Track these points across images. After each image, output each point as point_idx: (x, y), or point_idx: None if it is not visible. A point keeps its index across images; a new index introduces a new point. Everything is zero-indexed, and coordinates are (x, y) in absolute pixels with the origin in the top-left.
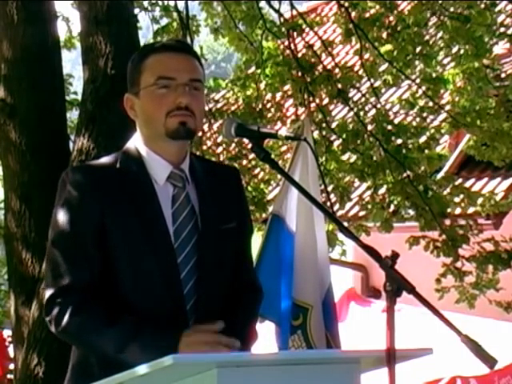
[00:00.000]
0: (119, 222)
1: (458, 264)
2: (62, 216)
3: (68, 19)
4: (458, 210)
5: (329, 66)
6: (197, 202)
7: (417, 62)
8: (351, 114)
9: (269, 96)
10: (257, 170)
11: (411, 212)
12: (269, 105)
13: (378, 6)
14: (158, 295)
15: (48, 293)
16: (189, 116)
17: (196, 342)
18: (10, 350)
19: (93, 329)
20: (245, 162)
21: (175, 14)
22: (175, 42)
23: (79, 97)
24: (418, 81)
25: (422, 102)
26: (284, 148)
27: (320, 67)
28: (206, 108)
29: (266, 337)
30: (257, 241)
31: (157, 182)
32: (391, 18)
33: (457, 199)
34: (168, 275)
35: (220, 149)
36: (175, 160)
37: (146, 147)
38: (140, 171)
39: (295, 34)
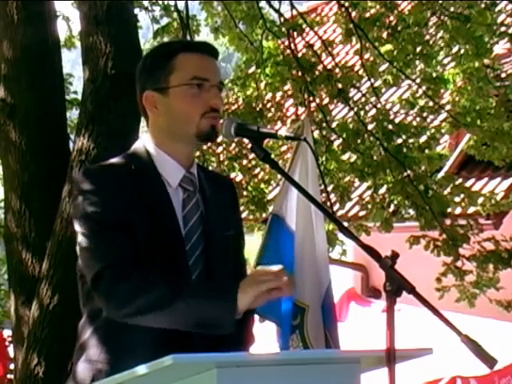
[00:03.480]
0: (138, 224)
1: (459, 263)
2: (92, 206)
3: (68, 18)
4: (458, 210)
5: (329, 66)
6: (203, 207)
7: (417, 62)
8: (351, 113)
9: (269, 96)
10: (257, 170)
11: (411, 212)
12: (269, 104)
13: (378, 6)
14: None
15: (93, 270)
16: (217, 119)
17: (257, 282)
18: (10, 350)
19: (147, 284)
20: (245, 161)
21: (175, 14)
22: (203, 43)
23: (79, 96)
24: (418, 81)
25: (422, 102)
26: (284, 148)
27: (320, 67)
28: None
29: (266, 337)
30: (257, 241)
31: (169, 185)
32: (391, 18)
33: (457, 199)
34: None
35: (220, 149)
36: (187, 163)
37: (158, 149)
38: (153, 174)
39: (295, 33)
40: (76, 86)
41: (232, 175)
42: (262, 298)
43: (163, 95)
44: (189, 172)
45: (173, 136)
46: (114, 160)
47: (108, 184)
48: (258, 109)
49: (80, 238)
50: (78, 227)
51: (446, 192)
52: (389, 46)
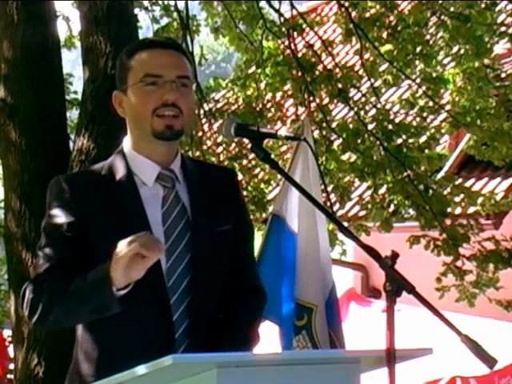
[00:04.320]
0: (102, 230)
1: (459, 263)
2: (46, 220)
3: (68, 18)
4: (458, 210)
5: (329, 66)
6: (188, 203)
7: (417, 62)
8: (351, 113)
9: (269, 96)
10: (257, 170)
11: (411, 212)
12: (269, 104)
13: (378, 6)
14: (143, 304)
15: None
16: (175, 116)
17: (119, 254)
18: (10, 350)
19: (45, 290)
20: (245, 161)
21: (175, 14)
22: (163, 38)
23: (79, 96)
24: (418, 80)
25: (422, 102)
26: (284, 148)
27: (320, 67)
28: (206, 108)
29: (266, 337)
30: (257, 241)
31: (146, 184)
32: (391, 18)
33: (457, 199)
34: (154, 285)
35: (220, 149)
36: (164, 160)
37: (133, 150)
38: (125, 176)
39: (295, 33)
40: (76, 86)
41: None
42: (136, 268)
43: (125, 95)
44: (167, 169)
45: (140, 135)
46: (93, 166)
47: (65, 195)
48: (258, 109)
49: None
50: None
51: (445, 192)
52: (389, 46)
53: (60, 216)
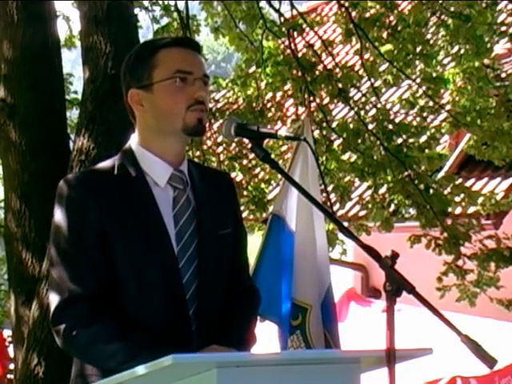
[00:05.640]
0: (120, 230)
1: (460, 262)
2: (63, 224)
3: (68, 18)
4: (458, 210)
5: (329, 66)
6: (195, 205)
7: (417, 62)
8: (352, 113)
9: (269, 95)
10: (257, 170)
11: (412, 211)
12: (269, 104)
13: (378, 6)
14: (160, 302)
15: (54, 303)
16: (204, 112)
17: None
18: (10, 350)
19: (103, 341)
20: (245, 161)
21: (175, 14)
22: (184, 38)
23: (79, 96)
24: (418, 80)
25: (422, 102)
26: (284, 148)
27: (320, 67)
28: None
29: (266, 337)
30: (257, 241)
31: (157, 185)
32: (391, 18)
33: (457, 199)
34: (171, 282)
35: (220, 149)
36: (176, 161)
37: (144, 149)
38: (137, 176)
39: (295, 33)
40: (76, 86)
41: (232, 175)
42: None
43: (147, 92)
44: (178, 170)
45: (160, 133)
46: (99, 165)
47: (82, 197)
48: (258, 109)
49: (50, 258)
50: (50, 245)
51: (446, 192)
52: (389, 46)
53: (84, 222)
